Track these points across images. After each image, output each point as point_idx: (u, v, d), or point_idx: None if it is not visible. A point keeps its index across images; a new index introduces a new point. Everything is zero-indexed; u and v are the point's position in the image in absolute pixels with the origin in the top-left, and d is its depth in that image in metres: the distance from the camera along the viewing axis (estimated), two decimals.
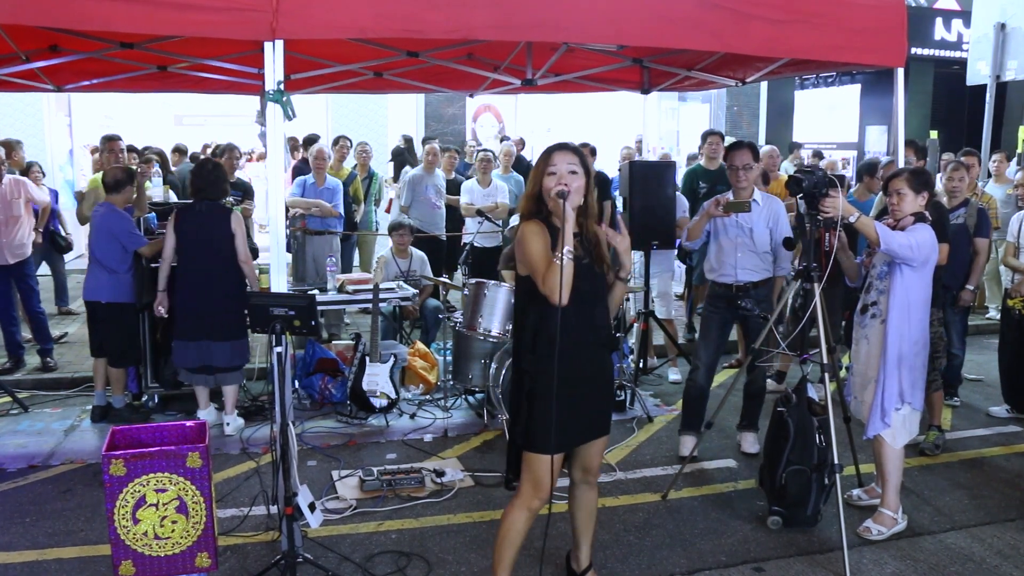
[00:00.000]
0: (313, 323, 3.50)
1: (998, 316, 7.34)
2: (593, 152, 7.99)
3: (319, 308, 5.16)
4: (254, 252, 6.17)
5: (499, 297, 5.37)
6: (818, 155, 10.88)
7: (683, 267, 8.16)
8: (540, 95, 8.01)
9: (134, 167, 6.15)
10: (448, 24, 3.74)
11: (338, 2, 3.58)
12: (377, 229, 8.65)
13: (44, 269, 7.89)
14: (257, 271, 5.45)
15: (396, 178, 9.43)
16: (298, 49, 5.37)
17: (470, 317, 5.44)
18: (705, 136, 7.50)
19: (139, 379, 5.78)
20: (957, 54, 14.18)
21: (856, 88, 15.62)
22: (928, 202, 3.95)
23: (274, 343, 3.35)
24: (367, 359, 5.61)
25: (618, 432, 5.35)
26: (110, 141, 6.83)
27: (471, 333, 5.44)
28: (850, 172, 13.53)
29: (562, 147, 2.98)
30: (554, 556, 3.66)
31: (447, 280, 7.52)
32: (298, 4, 3.47)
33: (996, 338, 6.17)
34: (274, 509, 3.93)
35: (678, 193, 6.61)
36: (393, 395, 5.58)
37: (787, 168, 9.54)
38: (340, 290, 6.09)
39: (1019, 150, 10.62)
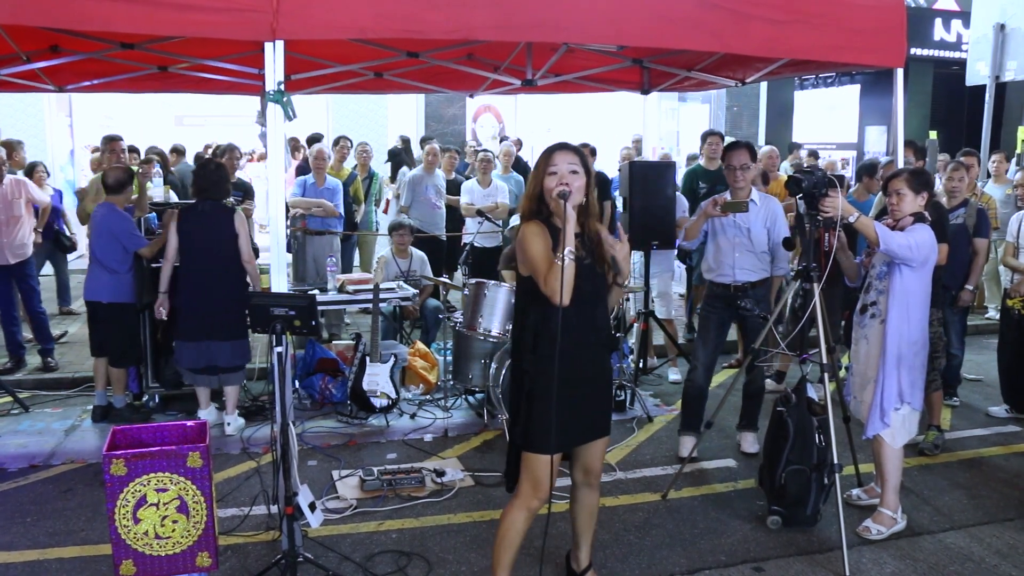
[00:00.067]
0: (313, 323, 3.50)
1: (997, 316, 7.36)
2: (593, 152, 7.99)
3: (319, 308, 5.17)
4: (255, 252, 6.18)
5: (499, 297, 5.38)
6: (813, 155, 10.88)
7: (683, 267, 8.16)
8: (540, 95, 8.01)
9: (135, 167, 6.16)
10: (448, 24, 3.75)
11: (338, 2, 3.59)
12: (377, 229, 8.66)
13: (48, 269, 7.91)
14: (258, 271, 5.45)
15: (393, 178, 9.44)
16: (298, 49, 5.38)
17: (470, 317, 5.44)
18: (705, 136, 7.51)
19: (140, 379, 5.78)
20: (956, 54, 14.20)
21: (856, 88, 15.63)
22: (927, 202, 3.96)
23: (274, 343, 3.35)
24: (367, 359, 5.62)
25: (618, 432, 5.35)
26: (111, 141, 6.85)
27: (471, 333, 5.45)
28: (849, 172, 13.53)
29: (563, 147, 2.99)
30: (554, 555, 3.66)
31: (447, 280, 7.53)
32: (298, 4, 3.48)
33: (995, 338, 6.17)
34: (274, 509, 3.94)
35: (678, 193, 6.62)
36: (393, 395, 5.59)
37: (786, 168, 9.54)
38: (340, 290, 6.09)
39: (1018, 150, 10.64)
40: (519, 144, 11.22)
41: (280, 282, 3.73)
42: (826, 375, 3.98)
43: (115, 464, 3.22)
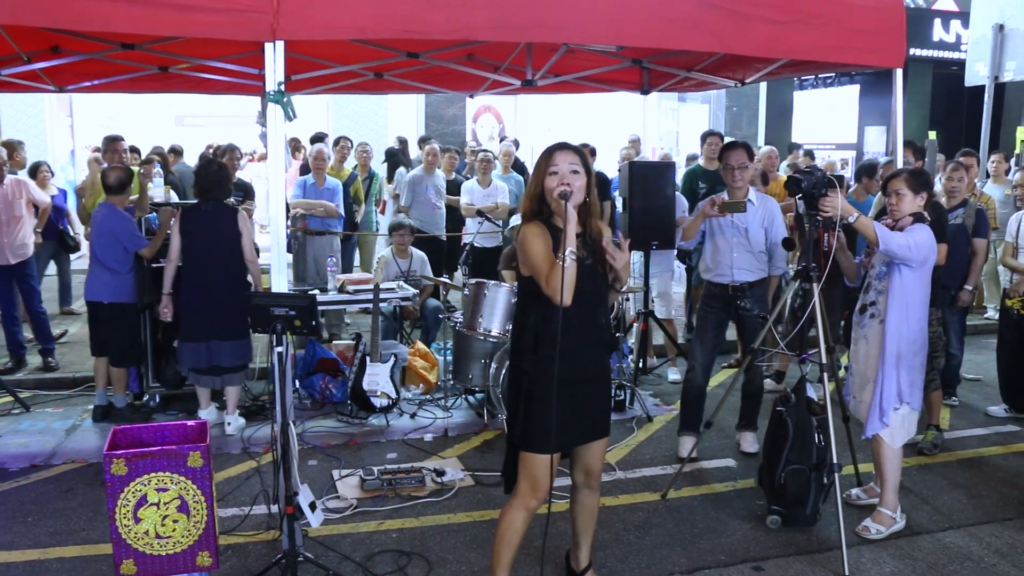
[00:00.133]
0: (314, 323, 3.51)
1: (996, 316, 7.37)
2: (593, 152, 8.00)
3: (320, 308, 5.18)
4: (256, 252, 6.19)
5: (499, 297, 5.39)
6: (809, 155, 10.88)
7: (683, 267, 8.17)
8: (540, 96, 8.02)
9: (135, 167, 6.17)
10: (448, 24, 3.75)
11: (338, 3, 3.59)
12: (377, 229, 8.66)
13: (52, 268, 7.92)
14: None
15: (390, 179, 9.44)
16: (298, 50, 5.39)
17: (470, 317, 5.45)
18: (705, 136, 7.52)
19: (140, 379, 5.79)
20: (956, 55, 14.21)
21: (855, 89, 15.64)
22: (927, 202, 3.97)
23: (275, 343, 3.36)
24: (367, 359, 5.62)
25: (618, 432, 5.36)
26: (113, 142, 6.86)
27: (471, 333, 5.45)
28: (849, 173, 13.54)
29: (563, 147, 2.99)
30: (554, 555, 3.67)
31: (447, 280, 7.54)
32: (298, 5, 3.49)
33: (994, 338, 6.18)
34: (275, 508, 3.95)
35: (678, 193, 6.62)
36: (393, 395, 5.59)
37: (785, 169, 9.54)
38: (340, 290, 6.10)
39: (1017, 150, 10.65)
40: (516, 144, 11.23)
41: (280, 282, 3.74)
42: (825, 375, 3.98)
43: (116, 464, 3.23)
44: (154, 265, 5.50)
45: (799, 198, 3.95)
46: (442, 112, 13.72)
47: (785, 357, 6.23)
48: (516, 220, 6.24)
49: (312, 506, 3.52)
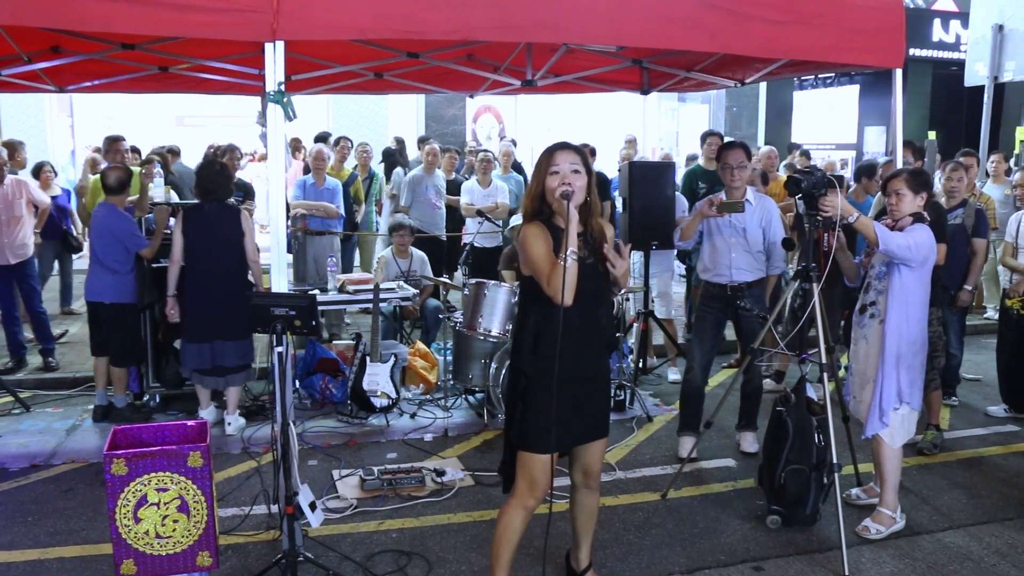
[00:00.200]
0: (314, 323, 3.51)
1: (996, 316, 7.37)
2: (593, 152, 8.00)
3: (320, 308, 5.19)
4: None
5: (499, 297, 5.39)
6: (805, 155, 10.90)
7: (683, 267, 8.17)
8: (540, 96, 8.02)
9: (136, 167, 6.18)
10: (448, 24, 3.75)
11: (338, 3, 3.59)
12: (377, 229, 8.66)
13: (56, 268, 7.93)
14: None
15: (388, 179, 9.44)
16: (299, 50, 5.39)
17: (470, 317, 5.45)
18: (705, 137, 7.52)
19: (140, 379, 5.79)
20: (955, 55, 14.22)
21: (855, 89, 15.65)
22: (926, 202, 3.97)
23: (275, 343, 3.36)
24: (367, 359, 5.63)
25: (618, 432, 5.36)
26: (114, 142, 6.86)
27: (471, 333, 5.45)
28: (848, 173, 13.54)
29: (564, 146, 3.00)
30: (554, 555, 3.67)
31: (447, 280, 7.54)
32: (298, 5, 3.49)
33: (994, 338, 6.18)
34: (275, 508, 3.95)
35: (678, 193, 6.62)
36: (393, 395, 5.59)
37: (784, 169, 9.54)
38: (341, 290, 6.10)
39: (1017, 150, 10.65)
40: (514, 144, 11.23)
41: (280, 282, 3.74)
42: (825, 375, 3.99)
43: (116, 464, 3.23)
44: (155, 265, 5.50)
45: (799, 198, 3.96)
46: (442, 112, 13.72)
47: (785, 357, 6.24)
48: (516, 220, 6.24)
49: (312, 506, 3.52)
